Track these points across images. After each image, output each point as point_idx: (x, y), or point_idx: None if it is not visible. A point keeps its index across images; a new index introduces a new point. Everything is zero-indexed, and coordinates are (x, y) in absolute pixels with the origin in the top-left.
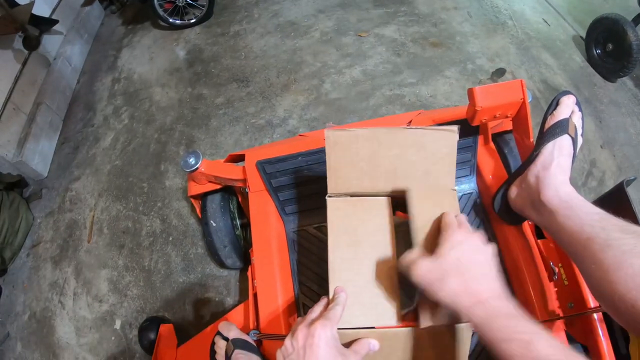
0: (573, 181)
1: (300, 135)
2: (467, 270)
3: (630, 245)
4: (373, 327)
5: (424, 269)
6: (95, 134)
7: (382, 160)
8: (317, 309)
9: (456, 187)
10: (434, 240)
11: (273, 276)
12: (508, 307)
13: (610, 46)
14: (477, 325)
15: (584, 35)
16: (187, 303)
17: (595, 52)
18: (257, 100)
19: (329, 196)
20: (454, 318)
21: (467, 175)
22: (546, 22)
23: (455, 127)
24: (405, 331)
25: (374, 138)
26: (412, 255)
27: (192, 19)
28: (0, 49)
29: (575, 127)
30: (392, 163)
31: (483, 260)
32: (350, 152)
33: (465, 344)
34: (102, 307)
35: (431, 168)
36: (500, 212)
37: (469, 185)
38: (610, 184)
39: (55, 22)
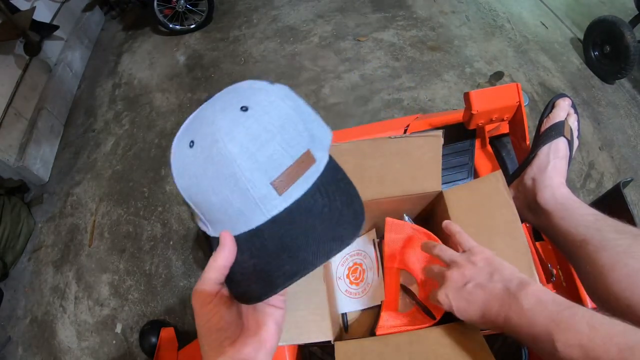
0: (572, 183)
1: None
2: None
3: (624, 246)
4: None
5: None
6: (96, 139)
7: (367, 170)
8: None
9: (443, 188)
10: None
11: None
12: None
13: (607, 48)
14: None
15: (581, 37)
16: (188, 307)
17: (593, 54)
18: None
19: None
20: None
21: (464, 178)
22: (544, 24)
23: (439, 132)
24: (408, 335)
25: (358, 150)
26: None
27: (192, 25)
28: (2, 55)
29: (570, 129)
30: (378, 172)
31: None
32: None
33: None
34: (104, 311)
35: (417, 173)
36: None
37: None
38: (608, 186)
39: (56, 27)
